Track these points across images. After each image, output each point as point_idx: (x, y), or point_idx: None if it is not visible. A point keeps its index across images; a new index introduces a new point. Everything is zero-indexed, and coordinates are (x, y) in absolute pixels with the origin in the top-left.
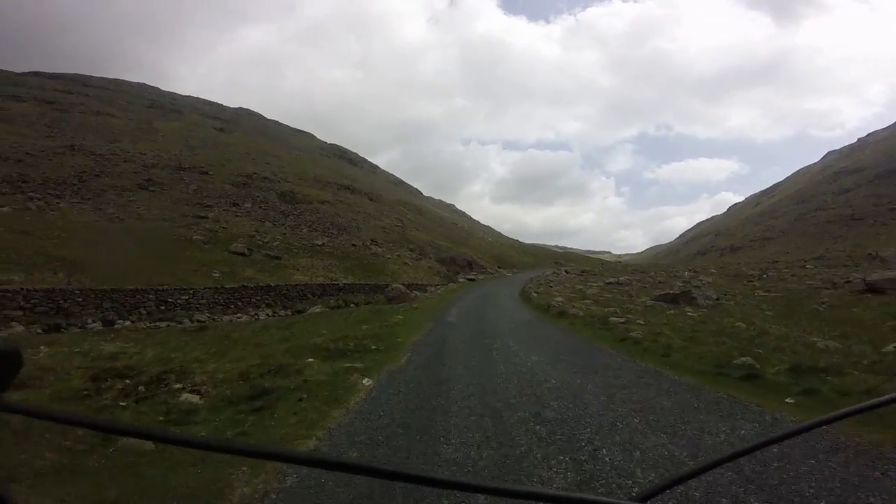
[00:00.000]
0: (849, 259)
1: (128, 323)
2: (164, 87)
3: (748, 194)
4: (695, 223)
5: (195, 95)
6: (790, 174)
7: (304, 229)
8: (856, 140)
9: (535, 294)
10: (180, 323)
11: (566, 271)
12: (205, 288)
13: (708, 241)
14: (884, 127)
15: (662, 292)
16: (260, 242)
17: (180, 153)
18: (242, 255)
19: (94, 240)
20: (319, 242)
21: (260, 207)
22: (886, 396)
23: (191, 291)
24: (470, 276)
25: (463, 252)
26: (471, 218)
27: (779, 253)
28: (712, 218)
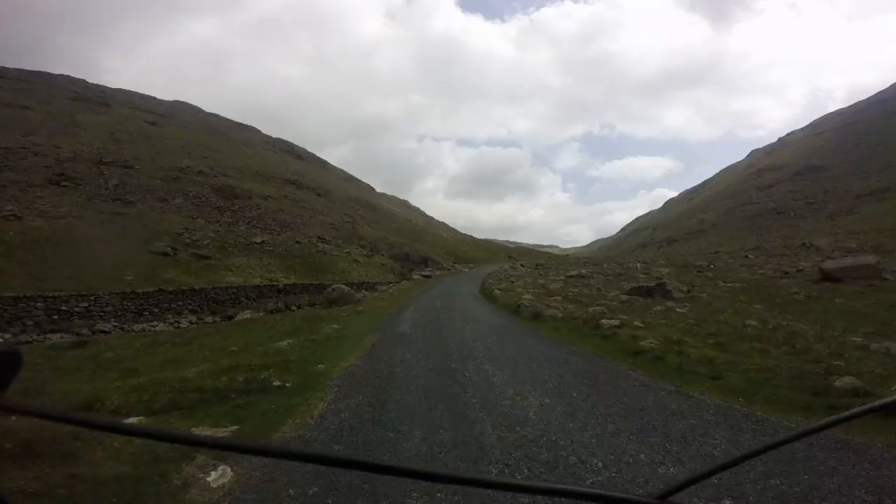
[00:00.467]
0: (785, 248)
1: (8, 336)
2: (93, 81)
3: (681, 190)
4: (634, 217)
5: (129, 89)
6: (718, 171)
7: (243, 226)
8: (776, 139)
9: (497, 291)
10: (77, 334)
11: (521, 265)
12: (110, 293)
13: (647, 234)
14: (801, 127)
15: (635, 285)
16: (188, 240)
17: (104, 147)
18: (165, 254)
19: None
20: (258, 240)
21: (192, 203)
22: (888, 398)
23: (91, 298)
24: (426, 273)
25: (418, 248)
26: (425, 214)
27: (713, 244)
28: (650, 213)
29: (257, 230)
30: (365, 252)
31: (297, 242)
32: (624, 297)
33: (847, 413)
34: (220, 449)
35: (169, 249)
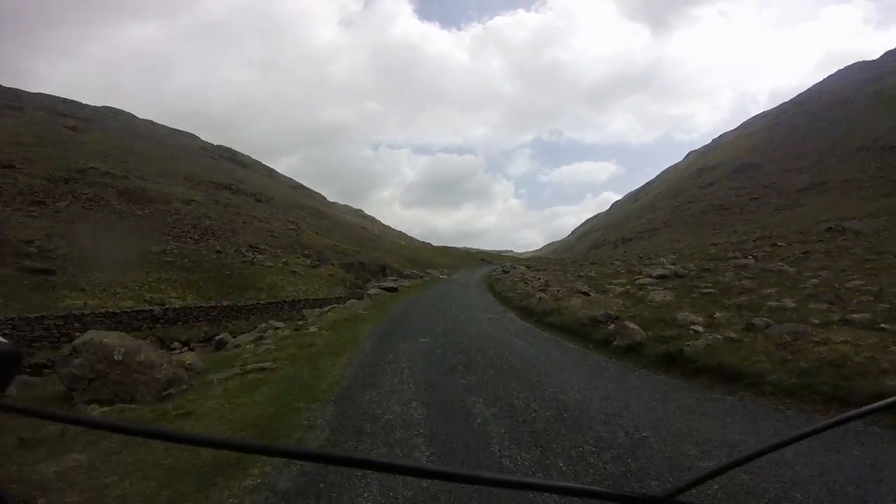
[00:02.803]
0: (800, 235)
1: None
2: (8, 84)
3: (626, 192)
4: (583, 220)
5: (50, 93)
6: (659, 172)
7: (145, 233)
8: (710, 141)
9: (592, 321)
10: None
11: (508, 267)
12: None
13: (599, 235)
14: (731, 129)
15: None
16: (34, 250)
17: None
18: None
19: None
20: (156, 249)
21: (82, 207)
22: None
23: None
24: (388, 285)
25: (374, 256)
26: (381, 223)
27: (672, 241)
28: (597, 215)
29: (166, 237)
30: (308, 262)
31: (218, 252)
32: None
33: (851, 413)
34: (221, 448)
35: None
